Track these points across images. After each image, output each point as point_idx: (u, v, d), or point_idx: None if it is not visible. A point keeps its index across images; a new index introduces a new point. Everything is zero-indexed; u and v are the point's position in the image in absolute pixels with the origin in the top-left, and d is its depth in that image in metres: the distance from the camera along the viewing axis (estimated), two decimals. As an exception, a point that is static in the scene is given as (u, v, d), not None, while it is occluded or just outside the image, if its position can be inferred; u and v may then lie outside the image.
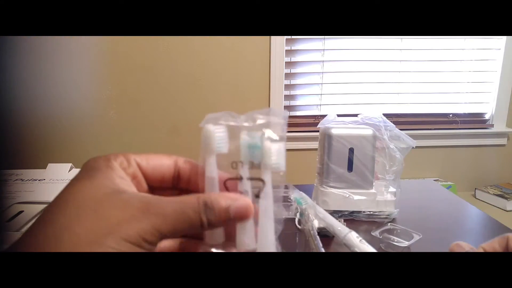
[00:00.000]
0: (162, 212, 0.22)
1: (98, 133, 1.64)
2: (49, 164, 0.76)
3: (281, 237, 0.26)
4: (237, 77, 1.66)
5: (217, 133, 0.26)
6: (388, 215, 0.75)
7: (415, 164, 1.83)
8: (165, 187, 0.27)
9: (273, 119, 0.25)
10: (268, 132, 0.25)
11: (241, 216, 0.24)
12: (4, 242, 0.48)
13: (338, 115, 0.80)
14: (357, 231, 0.54)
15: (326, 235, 0.60)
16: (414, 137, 0.77)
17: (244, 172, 0.26)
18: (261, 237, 0.25)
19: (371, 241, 0.54)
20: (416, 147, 0.77)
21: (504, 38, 1.76)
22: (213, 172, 0.26)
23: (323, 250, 0.51)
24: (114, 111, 1.63)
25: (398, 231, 0.64)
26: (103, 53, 1.58)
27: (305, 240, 0.53)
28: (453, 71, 1.80)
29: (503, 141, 1.88)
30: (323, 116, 0.81)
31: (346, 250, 0.53)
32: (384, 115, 0.80)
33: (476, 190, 1.82)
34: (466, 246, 0.38)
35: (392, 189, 0.76)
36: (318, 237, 0.52)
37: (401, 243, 0.61)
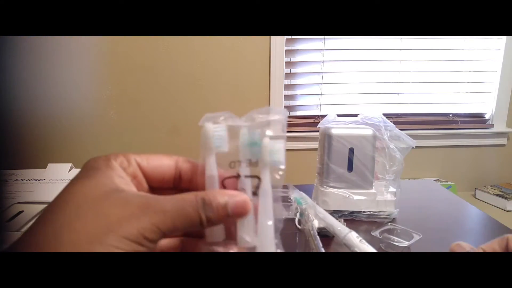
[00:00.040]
0: (162, 209, 0.22)
1: (98, 133, 1.64)
2: (49, 164, 0.76)
3: (281, 237, 0.26)
4: (237, 77, 1.66)
5: (216, 131, 0.26)
6: (388, 215, 0.75)
7: (415, 164, 1.83)
8: (165, 187, 0.27)
9: (272, 117, 0.25)
10: (268, 130, 0.25)
11: (239, 212, 0.24)
12: (4, 242, 0.48)
13: (338, 115, 0.80)
14: (357, 231, 0.54)
15: (326, 235, 0.60)
16: (414, 137, 0.77)
17: (242, 170, 0.26)
18: (261, 234, 0.25)
19: (371, 241, 0.54)
20: (416, 147, 0.77)
21: (504, 38, 1.76)
22: (213, 170, 0.26)
23: (323, 250, 0.51)
24: (114, 111, 1.63)
25: (398, 231, 0.64)
26: (103, 53, 1.58)
27: (305, 240, 0.53)
28: (453, 71, 1.80)
29: (503, 141, 1.88)
30: (323, 116, 0.81)
31: (346, 250, 0.53)
32: (384, 115, 0.80)
33: (476, 190, 1.82)
34: (466, 246, 0.38)
35: (392, 189, 0.76)
36: (318, 237, 0.52)
37: (401, 243, 0.61)
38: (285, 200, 0.67)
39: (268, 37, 1.63)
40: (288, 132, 1.72)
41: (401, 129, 0.77)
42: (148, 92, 1.63)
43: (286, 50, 1.66)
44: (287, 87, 1.73)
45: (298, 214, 0.58)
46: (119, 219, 0.21)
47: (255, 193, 0.26)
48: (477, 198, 1.80)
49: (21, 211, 0.60)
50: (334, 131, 0.74)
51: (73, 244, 0.20)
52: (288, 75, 1.72)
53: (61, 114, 1.60)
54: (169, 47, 1.60)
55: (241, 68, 1.66)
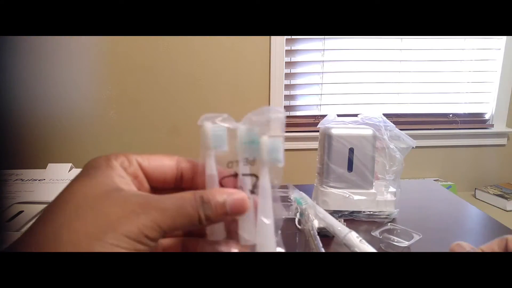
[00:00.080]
0: (162, 208, 0.22)
1: (98, 133, 1.64)
2: (49, 164, 0.76)
3: (281, 237, 0.26)
4: (237, 77, 1.66)
5: (216, 131, 0.26)
6: (388, 215, 0.75)
7: (415, 164, 1.83)
8: (167, 187, 0.27)
9: (270, 115, 0.25)
10: (266, 128, 0.25)
11: (237, 210, 0.24)
12: (4, 242, 0.48)
13: (338, 115, 0.80)
14: (357, 231, 0.54)
15: (326, 235, 0.60)
16: (414, 137, 0.77)
17: (240, 169, 0.26)
18: (260, 232, 0.25)
19: (371, 241, 0.54)
20: (416, 147, 0.77)
21: (504, 38, 1.76)
22: (212, 170, 0.26)
23: (323, 250, 0.51)
24: (114, 111, 1.64)
25: (398, 231, 0.64)
26: (103, 53, 1.58)
27: (305, 240, 0.53)
28: (453, 71, 1.80)
29: (503, 141, 1.88)
30: (323, 116, 0.81)
31: (346, 250, 0.53)
32: (384, 115, 0.80)
33: (476, 190, 1.82)
34: (467, 246, 0.38)
35: (392, 189, 0.76)
36: (318, 237, 0.52)
37: (401, 243, 0.61)
38: (285, 200, 0.67)
39: (268, 37, 1.63)
40: (288, 132, 1.73)
41: (401, 129, 0.77)
42: (148, 92, 1.64)
43: (286, 50, 1.66)
44: (287, 87, 1.73)
45: (298, 214, 0.58)
46: (119, 217, 0.21)
47: (253, 191, 0.26)
48: (477, 198, 1.80)
49: (21, 211, 0.60)
50: (334, 131, 0.74)
51: (73, 244, 0.20)
52: (288, 75, 1.72)
53: (61, 114, 1.60)
54: (169, 47, 1.60)
55: (241, 68, 1.66)
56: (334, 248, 0.63)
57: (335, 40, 1.71)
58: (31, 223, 0.27)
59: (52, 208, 0.22)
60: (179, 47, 1.60)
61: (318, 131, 0.78)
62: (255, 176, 0.26)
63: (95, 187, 0.22)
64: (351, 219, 0.75)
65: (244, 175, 0.26)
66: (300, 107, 1.78)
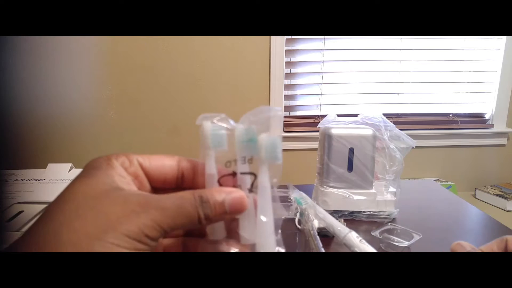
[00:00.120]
0: (162, 207, 0.22)
1: (98, 133, 1.64)
2: (49, 164, 0.76)
3: (281, 237, 0.26)
4: (237, 77, 1.66)
5: (215, 130, 0.26)
6: (388, 215, 0.75)
7: (415, 164, 1.83)
8: (168, 187, 0.27)
9: (267, 114, 0.25)
10: (263, 126, 0.25)
11: (236, 209, 0.24)
12: (4, 242, 0.48)
13: (338, 115, 0.80)
14: (357, 231, 0.54)
15: (326, 235, 0.60)
16: (414, 137, 0.77)
17: (238, 167, 0.26)
18: (260, 230, 0.25)
19: (371, 241, 0.54)
20: (416, 147, 0.77)
21: (504, 38, 1.76)
22: (212, 169, 0.26)
23: (323, 250, 0.51)
24: (114, 111, 1.64)
25: (398, 231, 0.64)
26: (103, 53, 1.58)
27: (305, 240, 0.53)
28: (453, 71, 1.80)
29: (503, 141, 1.88)
30: (323, 116, 0.81)
31: (346, 250, 0.53)
32: (384, 115, 0.80)
33: (476, 190, 1.82)
34: (467, 246, 0.38)
35: (392, 189, 0.76)
36: (318, 237, 0.52)
37: (401, 243, 0.61)
38: (285, 200, 0.67)
39: (268, 37, 1.63)
40: (288, 132, 1.73)
41: (401, 129, 0.77)
42: (148, 92, 1.64)
43: (286, 50, 1.66)
44: (287, 87, 1.73)
45: (298, 214, 0.58)
46: (119, 217, 0.21)
47: (251, 190, 0.26)
48: (477, 198, 1.80)
49: (21, 211, 0.60)
50: (334, 131, 0.74)
51: (73, 243, 0.20)
52: (288, 75, 1.72)
53: (61, 114, 1.60)
54: (169, 47, 1.60)
55: (241, 68, 1.66)
56: (334, 248, 0.63)
57: (335, 40, 1.71)
58: (31, 223, 0.27)
59: (52, 207, 0.22)
60: (179, 47, 1.60)
61: (318, 131, 0.78)
62: (254, 174, 0.26)
63: (96, 187, 0.22)
64: (351, 219, 0.75)
65: (242, 173, 0.26)
66: (300, 107, 1.78)
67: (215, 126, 0.26)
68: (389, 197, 0.75)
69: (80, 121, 1.62)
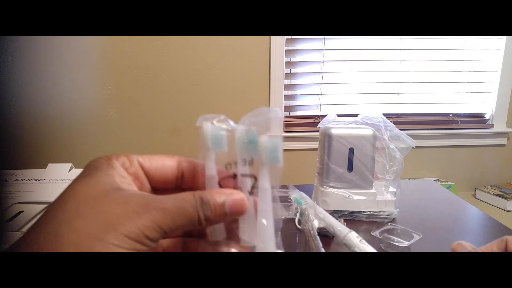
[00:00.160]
0: (162, 208, 0.22)
1: (98, 133, 1.64)
2: (49, 164, 0.76)
3: (281, 237, 0.26)
4: (237, 77, 1.66)
5: (215, 132, 0.26)
6: (388, 215, 0.75)
7: (415, 164, 1.83)
8: (168, 188, 0.27)
9: (267, 115, 0.25)
10: (264, 127, 0.25)
11: (236, 211, 0.24)
12: (4, 242, 0.48)
13: (338, 115, 0.80)
14: (357, 231, 0.54)
15: (326, 235, 0.60)
16: (414, 137, 0.77)
17: (238, 169, 0.26)
18: (260, 233, 0.25)
19: (371, 241, 0.54)
20: (416, 147, 0.77)
21: (504, 38, 1.76)
22: (212, 170, 0.26)
23: (323, 250, 0.51)
24: (114, 111, 1.64)
25: (398, 231, 0.64)
26: (103, 53, 1.58)
27: (305, 240, 0.53)
28: (453, 71, 1.80)
29: (503, 141, 1.88)
30: (323, 116, 0.81)
31: (346, 250, 0.53)
32: (384, 115, 0.80)
33: (476, 190, 1.82)
34: (468, 245, 0.38)
35: (392, 189, 0.76)
36: (318, 237, 0.52)
37: (401, 243, 0.61)
38: (285, 200, 0.67)
39: (268, 37, 1.63)
40: (288, 132, 1.73)
41: (401, 129, 0.77)
42: (148, 92, 1.64)
43: (286, 50, 1.66)
44: (287, 87, 1.73)
45: (298, 214, 0.58)
46: (119, 217, 0.21)
47: (252, 192, 0.26)
48: (477, 198, 1.80)
49: (21, 211, 0.60)
50: (334, 131, 0.74)
51: (74, 243, 0.20)
52: (288, 75, 1.72)
53: (61, 114, 1.60)
54: (169, 47, 1.60)
55: (241, 68, 1.66)
56: (334, 248, 0.63)
57: (335, 40, 1.71)
58: (31, 223, 0.27)
59: (53, 207, 0.22)
60: (179, 47, 1.60)
61: (318, 131, 0.78)
62: (254, 177, 0.25)
63: (96, 187, 0.22)
64: (351, 219, 0.75)
65: (243, 175, 0.26)
66: (300, 107, 1.78)
67: (215, 127, 0.26)
68: (389, 197, 0.75)
69: (80, 121, 1.62)
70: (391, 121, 0.79)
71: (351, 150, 0.74)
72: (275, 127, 0.25)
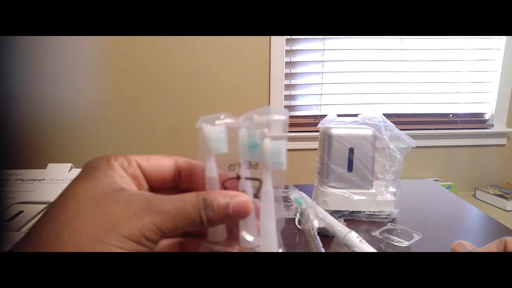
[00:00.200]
0: (163, 209, 0.22)
1: (98, 133, 1.64)
2: (49, 164, 0.76)
3: (282, 237, 0.26)
4: (237, 77, 1.66)
5: (215, 133, 0.25)
6: (388, 215, 0.75)
7: (415, 164, 1.83)
8: (166, 187, 0.27)
9: (273, 117, 0.25)
10: (268, 130, 0.25)
11: (240, 213, 0.24)
12: (4, 242, 0.48)
13: (338, 115, 0.81)
14: (357, 231, 0.54)
15: (326, 235, 0.61)
16: (414, 137, 0.77)
17: (242, 172, 0.26)
18: (262, 236, 0.25)
19: (371, 241, 0.54)
20: (416, 147, 0.77)
21: (504, 38, 1.76)
22: (213, 172, 0.26)
23: (323, 250, 0.51)
24: (114, 111, 1.64)
25: (398, 231, 0.64)
26: (103, 53, 1.58)
27: (305, 240, 0.53)
28: (453, 71, 1.80)
29: (503, 141, 1.88)
30: (323, 116, 0.81)
31: (346, 250, 0.53)
32: (384, 115, 0.80)
33: (476, 190, 1.82)
34: (468, 245, 0.38)
35: (392, 189, 0.76)
36: (318, 237, 0.52)
37: (401, 243, 0.61)
38: (285, 200, 0.67)
39: (268, 37, 1.63)
40: (288, 132, 1.73)
41: (401, 129, 0.77)
42: (148, 92, 1.64)
43: (286, 50, 1.66)
44: (287, 87, 1.73)
45: (298, 214, 0.58)
46: (120, 218, 0.21)
47: (256, 196, 0.25)
48: (477, 198, 1.80)
49: (21, 211, 0.60)
50: (334, 131, 0.74)
51: (74, 244, 0.20)
52: (288, 75, 1.72)
53: (61, 114, 1.60)
54: (169, 47, 1.60)
55: (241, 68, 1.66)
56: (334, 248, 0.63)
57: (335, 40, 1.71)
58: (31, 223, 0.27)
59: (53, 208, 0.22)
60: (179, 47, 1.60)
61: (318, 131, 0.78)
62: (259, 180, 0.25)
63: (96, 187, 0.22)
64: (351, 219, 0.75)
65: (247, 179, 0.26)
66: (300, 107, 1.78)
67: (216, 129, 0.25)
68: (389, 197, 0.75)
69: (80, 121, 1.62)
70: (391, 121, 0.79)
71: (351, 150, 0.74)
72: (279, 129, 0.25)
